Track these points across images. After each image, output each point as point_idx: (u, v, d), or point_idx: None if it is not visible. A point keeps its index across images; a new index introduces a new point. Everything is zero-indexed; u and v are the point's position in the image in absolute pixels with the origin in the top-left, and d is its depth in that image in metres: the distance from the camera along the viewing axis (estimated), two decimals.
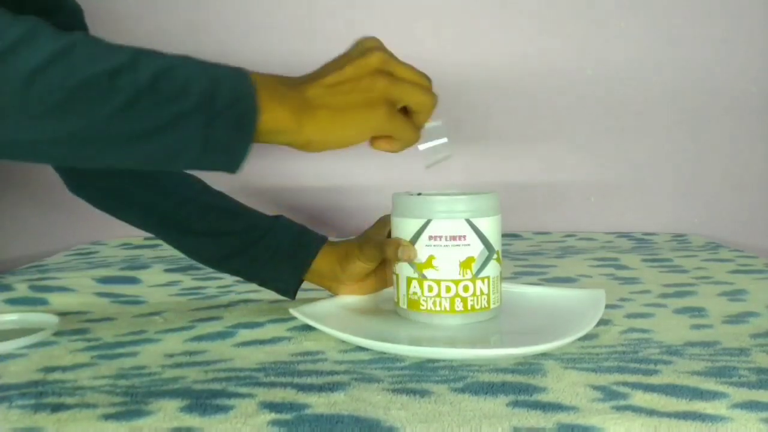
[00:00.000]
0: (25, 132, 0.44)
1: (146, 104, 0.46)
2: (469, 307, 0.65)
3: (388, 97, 0.53)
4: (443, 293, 0.65)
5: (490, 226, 0.66)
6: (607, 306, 0.71)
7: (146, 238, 1.25)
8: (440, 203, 0.65)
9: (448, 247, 0.65)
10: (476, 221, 0.65)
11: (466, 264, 0.65)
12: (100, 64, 0.45)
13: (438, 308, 0.65)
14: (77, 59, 0.44)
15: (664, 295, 0.82)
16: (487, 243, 0.65)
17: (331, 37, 1.38)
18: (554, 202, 1.43)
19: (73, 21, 0.75)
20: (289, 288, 0.76)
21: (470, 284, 0.65)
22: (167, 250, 1.16)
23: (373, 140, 0.55)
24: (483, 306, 0.66)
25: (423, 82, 0.57)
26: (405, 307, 0.68)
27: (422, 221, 0.65)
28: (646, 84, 1.40)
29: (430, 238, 0.65)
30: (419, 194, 0.68)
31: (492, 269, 0.66)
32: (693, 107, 1.40)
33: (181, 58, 0.50)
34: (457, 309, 0.65)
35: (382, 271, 0.75)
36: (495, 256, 0.66)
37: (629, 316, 0.73)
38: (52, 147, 0.46)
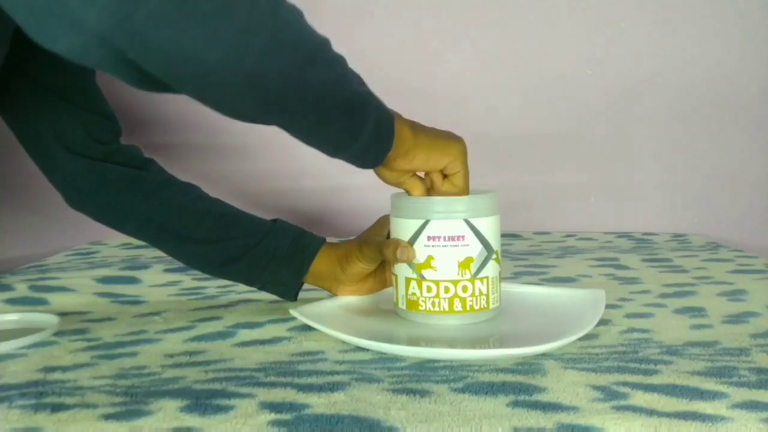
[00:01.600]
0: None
1: (349, 79, 0.55)
2: (468, 308, 0.65)
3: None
4: (442, 294, 0.65)
5: (489, 226, 0.66)
6: (607, 306, 0.71)
7: None
8: (438, 203, 0.65)
9: (446, 248, 0.65)
10: (475, 221, 0.65)
11: (464, 264, 0.65)
12: (311, 35, 0.51)
13: (437, 309, 0.65)
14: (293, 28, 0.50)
15: (664, 295, 0.82)
16: (486, 243, 0.65)
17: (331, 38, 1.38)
18: (554, 202, 1.43)
19: None
20: (289, 291, 0.76)
21: (469, 284, 0.65)
22: None
23: (445, 180, 0.66)
24: (482, 306, 0.66)
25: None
26: (404, 307, 0.68)
27: (420, 221, 0.65)
28: (646, 84, 1.40)
29: (429, 238, 0.65)
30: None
31: (491, 269, 0.66)
32: (693, 107, 1.40)
33: None
34: (456, 309, 0.65)
35: (381, 271, 0.75)
36: (494, 256, 0.66)
37: (629, 316, 0.73)
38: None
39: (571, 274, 0.96)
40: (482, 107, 1.39)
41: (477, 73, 1.39)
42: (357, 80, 0.56)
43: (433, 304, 0.65)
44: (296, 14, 0.49)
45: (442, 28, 1.38)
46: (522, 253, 1.15)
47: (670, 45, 1.39)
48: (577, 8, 1.38)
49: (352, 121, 0.56)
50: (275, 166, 1.38)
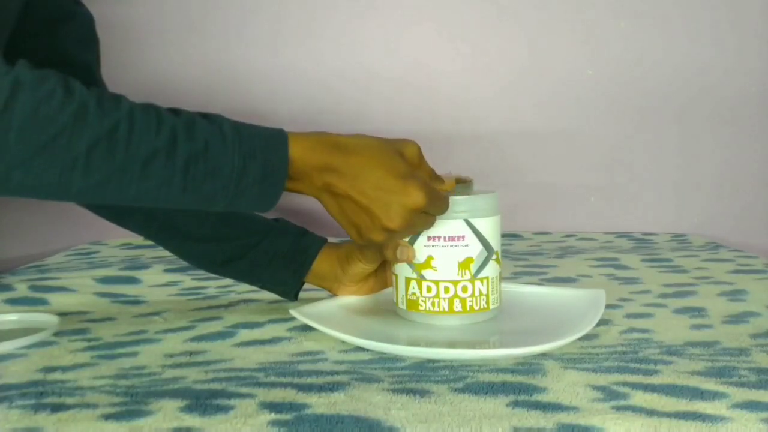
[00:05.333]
0: (62, 197, 0.52)
1: (176, 188, 0.52)
2: (467, 308, 0.65)
3: (374, 242, 0.60)
4: (442, 294, 0.65)
5: (489, 227, 0.66)
6: (607, 306, 0.71)
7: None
8: None
9: (446, 248, 0.65)
10: (475, 222, 0.65)
11: (464, 264, 0.65)
12: (137, 149, 0.50)
13: (437, 309, 0.65)
14: (117, 144, 0.50)
15: (664, 295, 0.82)
16: (486, 243, 0.65)
17: (330, 46, 1.38)
18: (554, 202, 1.43)
19: (84, 30, 0.76)
20: (290, 291, 0.76)
21: (469, 285, 0.65)
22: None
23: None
24: (482, 307, 0.66)
25: (429, 224, 0.63)
26: (404, 307, 0.68)
27: None
28: (646, 84, 1.40)
29: (429, 238, 0.65)
30: None
31: (491, 270, 0.66)
32: (693, 107, 1.40)
33: (219, 127, 0.54)
34: (455, 309, 0.65)
35: (382, 271, 0.75)
36: (494, 256, 0.66)
37: (629, 316, 0.73)
38: (84, 201, 0.54)
39: (571, 274, 0.96)
40: (482, 107, 1.39)
41: (477, 72, 1.39)
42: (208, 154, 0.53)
43: (433, 304, 0.65)
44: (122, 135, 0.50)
45: (442, 28, 1.38)
46: (522, 253, 1.15)
47: (669, 45, 1.39)
48: (577, 8, 1.38)
49: (195, 207, 0.56)
50: None
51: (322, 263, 0.74)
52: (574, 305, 0.70)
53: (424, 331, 0.65)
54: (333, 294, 0.76)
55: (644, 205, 1.43)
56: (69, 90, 0.49)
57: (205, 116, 0.55)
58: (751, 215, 1.42)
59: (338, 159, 0.57)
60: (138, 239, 1.31)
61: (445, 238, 0.64)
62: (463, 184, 0.67)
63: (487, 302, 0.66)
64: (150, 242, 1.22)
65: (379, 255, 0.69)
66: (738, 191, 1.42)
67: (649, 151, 1.42)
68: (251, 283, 0.77)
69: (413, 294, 0.66)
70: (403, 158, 0.59)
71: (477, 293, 0.65)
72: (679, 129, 1.41)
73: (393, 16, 1.37)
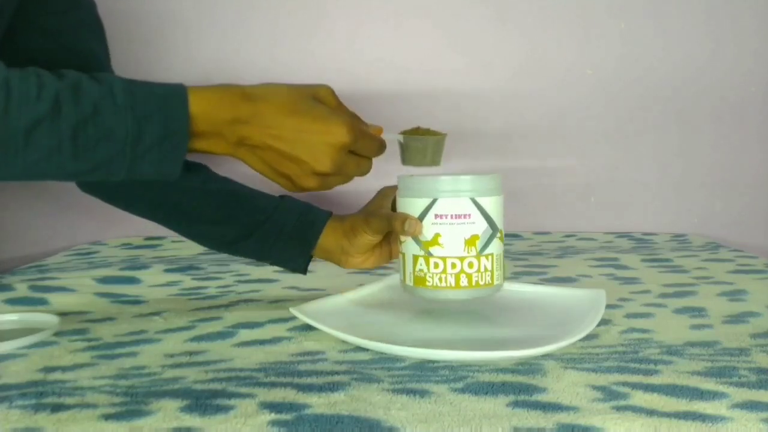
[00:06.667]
0: None
1: (66, 156, 0.50)
2: (473, 283, 0.66)
3: (307, 190, 0.59)
4: (449, 269, 0.66)
5: (494, 205, 0.66)
6: (607, 306, 0.71)
7: (146, 238, 1.26)
8: (446, 183, 0.66)
9: (453, 225, 0.65)
10: (480, 200, 0.65)
11: (470, 241, 0.66)
12: (17, 119, 0.47)
13: (443, 284, 0.66)
14: None
15: (664, 295, 0.82)
16: (491, 221, 0.66)
17: (328, 45, 1.38)
18: (554, 202, 1.43)
19: (89, 17, 0.77)
20: (298, 266, 0.77)
21: (475, 261, 0.66)
22: (167, 250, 1.16)
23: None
24: (487, 282, 0.67)
25: (363, 168, 0.61)
26: (411, 284, 0.68)
27: (428, 200, 0.66)
28: (646, 84, 1.40)
29: (436, 216, 0.66)
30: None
31: (495, 247, 0.67)
32: (693, 107, 1.40)
33: (110, 88, 0.51)
34: (462, 285, 0.66)
35: (387, 243, 0.75)
36: (498, 234, 0.67)
37: (629, 316, 0.73)
38: None
39: (571, 274, 0.96)
40: (482, 107, 1.39)
41: (477, 73, 1.39)
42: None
43: (440, 279, 0.66)
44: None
45: (441, 28, 1.38)
46: (522, 253, 1.15)
47: (669, 45, 1.39)
48: (578, 8, 1.38)
49: (93, 176, 0.53)
50: None
51: (328, 237, 0.75)
52: (574, 305, 0.70)
53: (426, 330, 0.66)
54: (341, 266, 0.76)
55: (644, 205, 1.43)
56: None
57: (94, 77, 0.52)
58: (751, 215, 1.42)
59: (247, 109, 0.55)
60: (138, 239, 1.31)
61: (451, 215, 0.65)
62: (438, 136, 0.69)
63: (492, 278, 0.67)
64: (150, 242, 1.22)
65: (384, 226, 0.70)
66: (738, 191, 1.42)
67: (648, 151, 1.42)
68: (261, 260, 0.78)
69: (421, 270, 0.67)
70: (317, 101, 0.57)
71: (482, 269, 0.66)
72: (678, 129, 1.41)
73: (392, 15, 1.37)
